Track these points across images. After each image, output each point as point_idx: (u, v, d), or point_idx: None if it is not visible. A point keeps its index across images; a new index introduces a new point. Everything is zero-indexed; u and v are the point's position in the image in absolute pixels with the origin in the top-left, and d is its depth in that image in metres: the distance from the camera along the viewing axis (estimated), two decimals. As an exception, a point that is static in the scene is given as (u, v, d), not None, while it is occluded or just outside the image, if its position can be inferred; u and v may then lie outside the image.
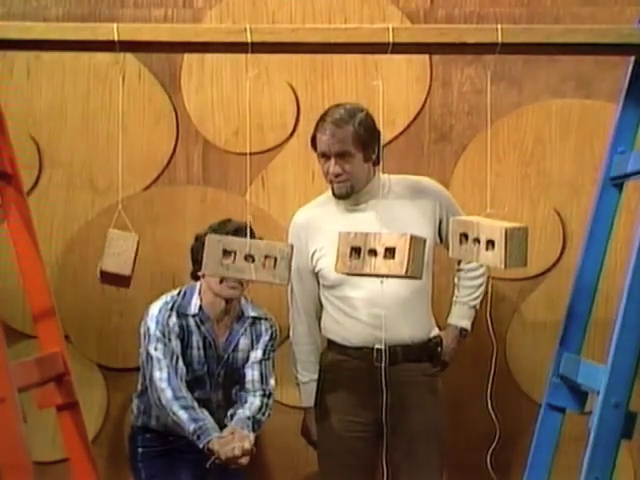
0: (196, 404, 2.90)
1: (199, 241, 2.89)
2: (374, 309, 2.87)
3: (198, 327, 2.99)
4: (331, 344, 3.00)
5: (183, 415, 2.85)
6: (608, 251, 2.66)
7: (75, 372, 2.81)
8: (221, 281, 2.91)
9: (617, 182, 2.62)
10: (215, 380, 3.04)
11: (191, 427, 2.83)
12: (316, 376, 3.02)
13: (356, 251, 2.36)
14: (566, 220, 3.49)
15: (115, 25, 2.41)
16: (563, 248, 3.49)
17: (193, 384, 2.99)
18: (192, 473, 3.05)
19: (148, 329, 2.97)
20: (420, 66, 3.48)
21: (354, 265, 2.36)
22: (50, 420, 2.91)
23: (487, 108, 2.48)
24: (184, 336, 2.98)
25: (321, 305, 3.02)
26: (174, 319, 2.97)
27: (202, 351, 2.99)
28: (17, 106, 3.32)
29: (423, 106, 3.51)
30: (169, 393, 2.88)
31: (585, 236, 2.67)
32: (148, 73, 3.50)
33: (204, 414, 2.89)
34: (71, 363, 2.79)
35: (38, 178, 3.50)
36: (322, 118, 2.89)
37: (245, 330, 3.07)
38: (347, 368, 2.95)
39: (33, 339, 2.95)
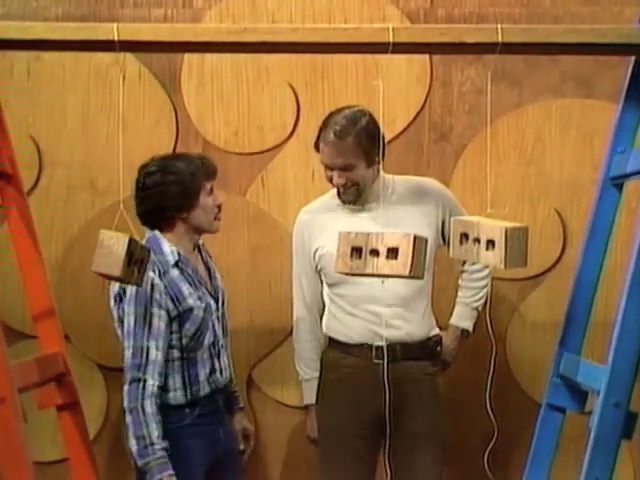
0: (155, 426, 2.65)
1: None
2: (373, 306, 2.88)
3: (182, 273, 2.76)
4: (332, 342, 3.01)
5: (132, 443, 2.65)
6: (608, 251, 2.66)
7: (75, 372, 2.81)
8: (215, 217, 2.79)
9: (617, 182, 2.62)
10: (216, 316, 2.84)
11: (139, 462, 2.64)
12: (317, 374, 3.03)
13: (357, 251, 2.35)
14: (566, 220, 3.49)
15: (115, 25, 2.41)
16: (563, 248, 3.49)
17: (200, 335, 2.77)
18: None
19: (128, 314, 2.69)
20: (420, 66, 3.48)
21: (355, 265, 2.35)
22: (50, 420, 2.91)
23: (487, 108, 2.48)
24: (172, 296, 2.71)
25: (323, 303, 3.03)
26: (157, 295, 2.68)
27: (195, 295, 2.76)
28: (17, 106, 3.32)
29: (423, 106, 3.50)
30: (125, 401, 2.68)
31: (585, 236, 2.67)
32: (148, 73, 3.50)
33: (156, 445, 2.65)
34: (71, 363, 2.79)
35: (38, 178, 3.50)
36: (324, 126, 2.87)
37: (206, 250, 2.94)
38: (347, 366, 2.95)
39: (33, 339, 2.95)
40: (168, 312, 2.71)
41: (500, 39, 2.39)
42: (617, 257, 3.03)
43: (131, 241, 2.40)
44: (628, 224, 2.79)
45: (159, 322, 2.69)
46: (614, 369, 2.34)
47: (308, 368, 3.05)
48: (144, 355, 2.67)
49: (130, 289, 2.69)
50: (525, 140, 3.50)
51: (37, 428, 3.21)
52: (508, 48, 2.43)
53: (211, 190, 2.80)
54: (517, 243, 2.27)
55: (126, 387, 2.68)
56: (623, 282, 2.38)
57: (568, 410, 2.72)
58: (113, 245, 2.39)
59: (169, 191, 2.75)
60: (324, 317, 3.04)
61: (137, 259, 2.46)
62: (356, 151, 2.82)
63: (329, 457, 2.99)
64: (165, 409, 2.72)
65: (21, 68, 3.48)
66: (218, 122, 3.52)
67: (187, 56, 3.48)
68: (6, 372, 2.38)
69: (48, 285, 2.74)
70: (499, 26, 2.41)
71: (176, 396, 2.75)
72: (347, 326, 2.95)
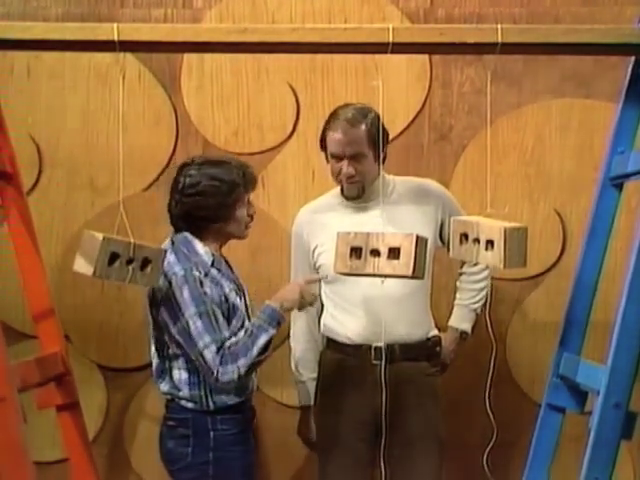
0: None
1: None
2: (371, 306, 2.87)
3: (220, 272, 2.74)
4: (330, 343, 3.00)
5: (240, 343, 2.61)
6: (608, 251, 2.66)
7: (75, 372, 2.81)
8: (246, 227, 2.78)
9: (617, 182, 2.62)
10: (247, 313, 2.81)
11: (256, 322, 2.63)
12: (314, 375, 3.02)
13: (356, 251, 2.35)
14: (566, 220, 3.49)
15: (115, 25, 2.41)
16: (563, 248, 3.49)
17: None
18: None
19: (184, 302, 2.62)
20: (420, 66, 3.48)
21: (355, 265, 2.35)
22: (50, 420, 2.91)
23: (487, 108, 2.48)
24: (218, 294, 2.67)
25: (322, 303, 3.03)
26: (207, 289, 2.65)
27: (234, 292, 2.74)
28: (17, 106, 3.32)
29: (423, 106, 3.51)
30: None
31: (585, 236, 2.67)
32: (148, 73, 3.50)
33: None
34: (71, 363, 2.79)
35: (38, 178, 3.50)
36: (333, 117, 2.87)
37: None
38: (345, 367, 2.94)
39: (33, 339, 2.95)
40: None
41: (500, 39, 2.40)
42: (617, 257, 3.03)
43: (105, 240, 2.35)
44: (628, 224, 2.78)
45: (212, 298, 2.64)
46: (614, 369, 2.34)
47: (304, 369, 3.04)
48: (212, 318, 2.60)
49: (175, 280, 2.62)
50: (525, 140, 3.50)
51: (37, 428, 3.21)
52: (508, 48, 2.43)
53: (248, 201, 2.77)
54: (516, 243, 2.27)
55: (210, 356, 2.57)
56: (623, 282, 2.38)
57: (568, 410, 2.72)
58: (90, 246, 2.38)
59: (206, 202, 2.68)
60: (322, 317, 3.03)
61: (131, 258, 2.41)
62: (367, 140, 2.83)
63: (328, 458, 2.98)
64: (217, 415, 2.69)
65: (21, 68, 3.48)
66: (218, 122, 3.52)
67: (187, 56, 3.48)
68: (6, 372, 2.39)
69: (48, 285, 2.74)
70: (499, 26, 2.41)
71: (229, 397, 2.71)
72: (345, 326, 2.94)
